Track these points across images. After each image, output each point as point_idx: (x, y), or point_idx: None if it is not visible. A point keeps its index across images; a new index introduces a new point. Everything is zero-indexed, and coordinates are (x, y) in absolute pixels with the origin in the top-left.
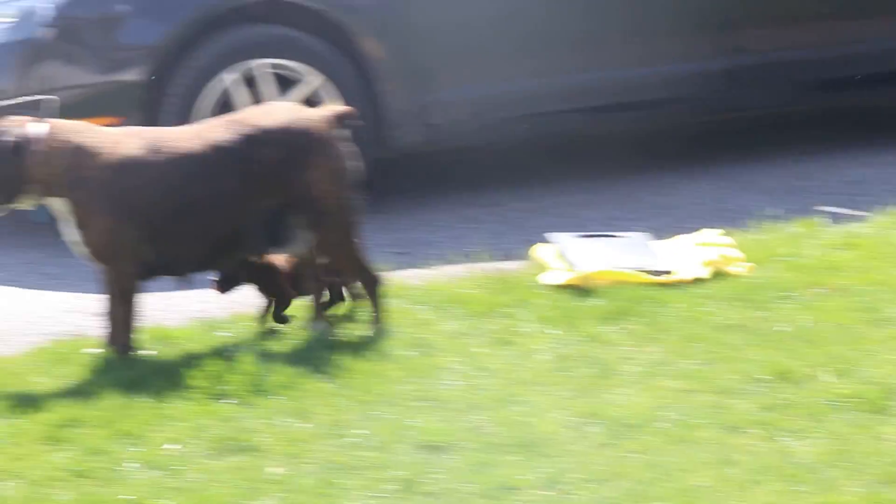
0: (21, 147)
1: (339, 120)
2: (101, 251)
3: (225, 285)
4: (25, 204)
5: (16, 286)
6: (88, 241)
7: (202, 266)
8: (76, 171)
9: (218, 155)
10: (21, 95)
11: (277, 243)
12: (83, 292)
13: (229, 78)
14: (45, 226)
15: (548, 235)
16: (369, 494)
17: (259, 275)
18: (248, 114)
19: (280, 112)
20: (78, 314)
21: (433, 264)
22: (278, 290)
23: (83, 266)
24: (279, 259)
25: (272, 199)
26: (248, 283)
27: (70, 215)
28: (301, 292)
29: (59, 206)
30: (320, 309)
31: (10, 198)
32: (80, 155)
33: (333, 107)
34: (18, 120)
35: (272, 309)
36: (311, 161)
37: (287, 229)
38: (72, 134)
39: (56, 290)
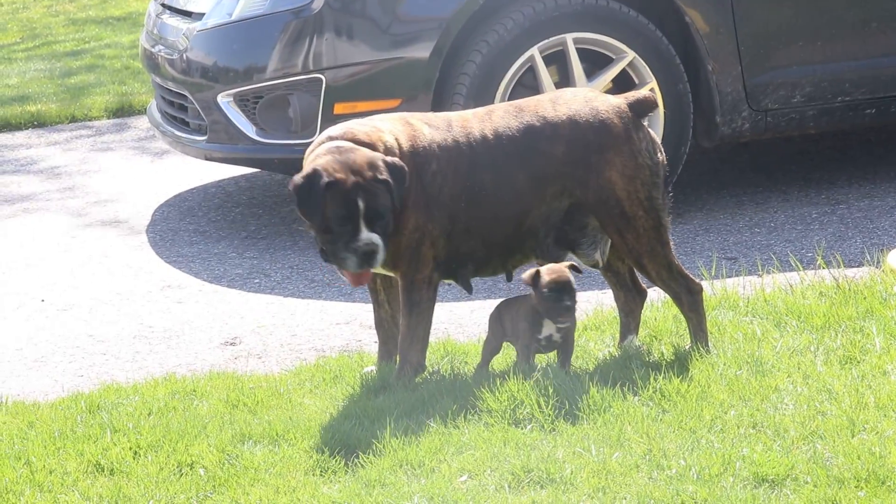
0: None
1: (640, 109)
2: (405, 255)
3: None
4: None
5: (278, 294)
6: (393, 245)
7: (483, 269)
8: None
9: (503, 145)
10: (284, 75)
11: (569, 247)
12: (357, 301)
13: (538, 55)
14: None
15: None
16: None
17: None
18: (535, 102)
19: (570, 101)
20: (351, 326)
21: (766, 271)
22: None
23: None
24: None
25: (563, 200)
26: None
27: None
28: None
29: None
30: (632, 322)
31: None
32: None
33: (632, 94)
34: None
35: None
36: (607, 159)
37: (582, 232)
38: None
39: (325, 298)
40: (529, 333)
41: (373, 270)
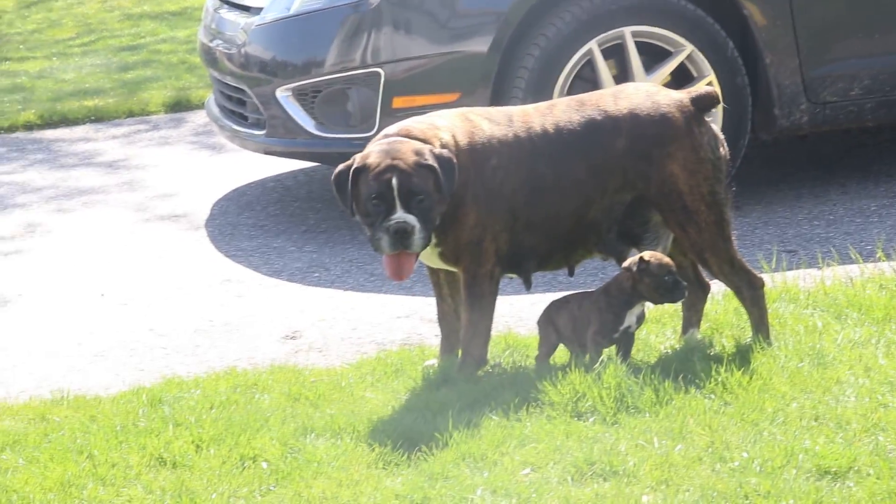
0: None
1: (703, 104)
2: (467, 250)
3: None
4: None
5: (337, 288)
6: (454, 240)
7: (546, 264)
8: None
9: (564, 139)
10: (342, 69)
11: (632, 242)
12: (417, 295)
13: (596, 49)
14: None
15: None
16: None
17: None
18: (597, 96)
19: (632, 96)
20: (412, 320)
21: (826, 263)
22: None
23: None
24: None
25: (625, 193)
26: None
27: None
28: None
29: None
30: (694, 316)
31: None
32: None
33: (695, 89)
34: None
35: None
36: (668, 153)
37: (645, 227)
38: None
39: (384, 292)
40: (612, 326)
41: (441, 266)
